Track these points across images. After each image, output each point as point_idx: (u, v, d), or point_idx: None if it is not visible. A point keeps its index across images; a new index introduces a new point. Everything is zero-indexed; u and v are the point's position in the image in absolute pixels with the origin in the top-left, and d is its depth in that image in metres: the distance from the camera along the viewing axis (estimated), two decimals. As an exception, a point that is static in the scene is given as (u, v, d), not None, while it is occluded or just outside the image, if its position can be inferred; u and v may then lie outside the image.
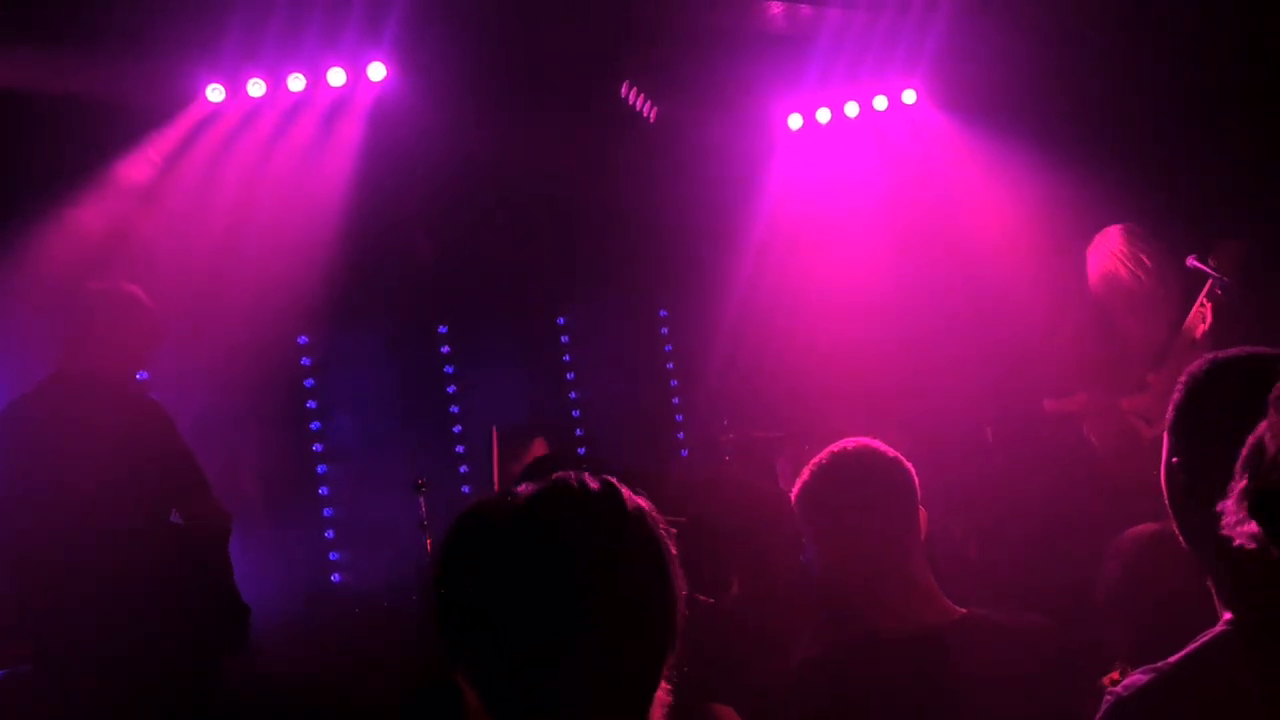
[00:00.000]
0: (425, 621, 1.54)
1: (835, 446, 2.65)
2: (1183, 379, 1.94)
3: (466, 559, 1.51)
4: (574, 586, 1.46)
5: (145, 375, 5.87)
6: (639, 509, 1.56)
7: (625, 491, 1.56)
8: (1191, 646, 1.81)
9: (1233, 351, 1.93)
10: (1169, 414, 1.93)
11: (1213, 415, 1.84)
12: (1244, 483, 1.51)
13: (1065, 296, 5.65)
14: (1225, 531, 1.51)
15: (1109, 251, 5.14)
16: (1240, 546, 1.53)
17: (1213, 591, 1.84)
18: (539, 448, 6.65)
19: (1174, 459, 1.90)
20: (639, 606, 1.49)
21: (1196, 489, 1.84)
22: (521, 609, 1.45)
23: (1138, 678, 1.82)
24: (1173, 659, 1.82)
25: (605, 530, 1.50)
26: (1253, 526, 1.51)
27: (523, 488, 1.56)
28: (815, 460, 2.63)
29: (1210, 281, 5.05)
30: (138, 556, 4.28)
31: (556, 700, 1.46)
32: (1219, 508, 1.50)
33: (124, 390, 4.62)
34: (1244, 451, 1.55)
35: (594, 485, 1.55)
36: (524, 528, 1.50)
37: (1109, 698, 1.83)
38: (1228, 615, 1.81)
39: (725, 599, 3.69)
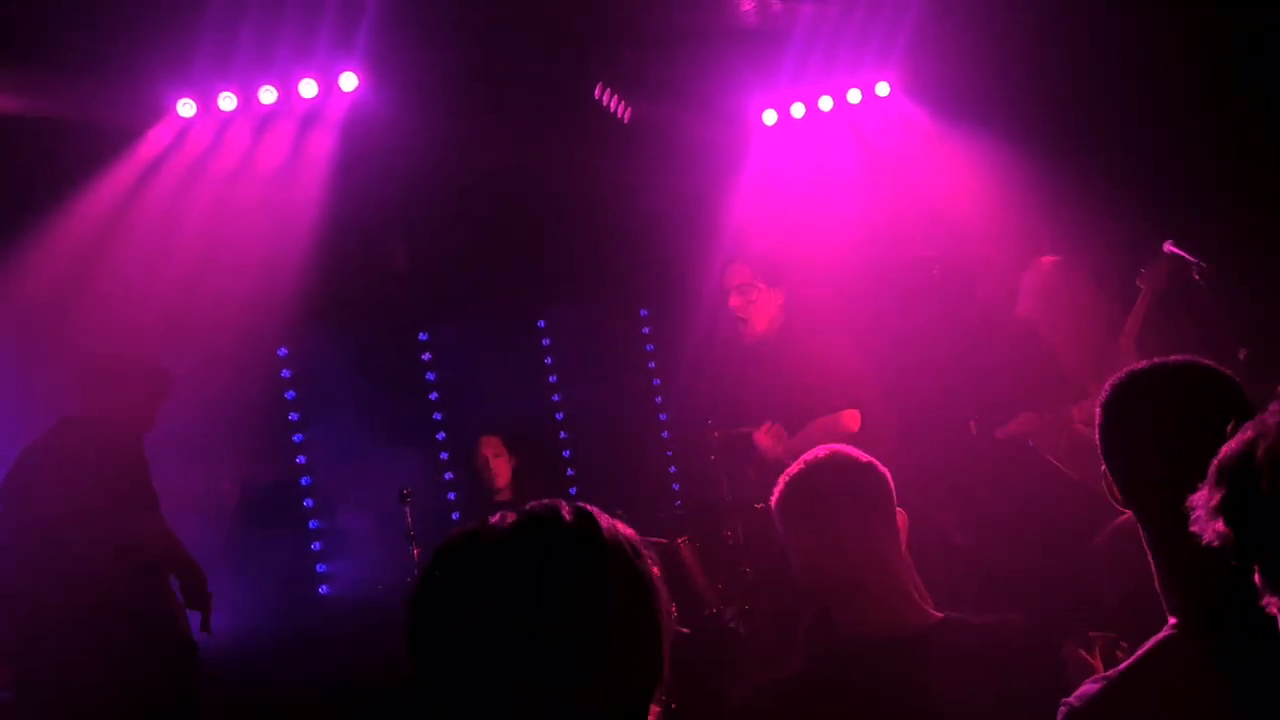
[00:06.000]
0: (403, 652, 1.52)
1: (808, 455, 2.65)
2: (1104, 396, 1.95)
3: (441, 595, 1.49)
4: (551, 621, 1.43)
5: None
6: (617, 537, 1.52)
7: (603, 520, 1.52)
8: (1139, 652, 1.84)
9: (1146, 364, 1.95)
10: (1095, 434, 1.95)
11: (1150, 425, 1.86)
12: (1222, 492, 1.48)
13: (998, 314, 5.78)
14: (1194, 528, 1.49)
15: (1043, 276, 5.33)
16: (1191, 548, 1.51)
17: (1160, 596, 1.86)
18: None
19: (1110, 472, 1.93)
20: (619, 638, 1.46)
21: (1140, 498, 1.87)
22: (497, 645, 1.43)
23: (1089, 688, 1.85)
24: (1122, 666, 1.85)
25: (582, 563, 1.47)
26: (1220, 526, 1.49)
27: (497, 519, 1.52)
28: (789, 470, 2.64)
29: (1190, 267, 5.17)
30: (93, 581, 4.33)
31: None
32: (1190, 501, 1.49)
33: (109, 429, 4.71)
34: (1223, 453, 1.52)
35: (569, 516, 1.51)
36: (499, 563, 1.47)
37: (1063, 708, 1.85)
38: (1173, 620, 1.83)
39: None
